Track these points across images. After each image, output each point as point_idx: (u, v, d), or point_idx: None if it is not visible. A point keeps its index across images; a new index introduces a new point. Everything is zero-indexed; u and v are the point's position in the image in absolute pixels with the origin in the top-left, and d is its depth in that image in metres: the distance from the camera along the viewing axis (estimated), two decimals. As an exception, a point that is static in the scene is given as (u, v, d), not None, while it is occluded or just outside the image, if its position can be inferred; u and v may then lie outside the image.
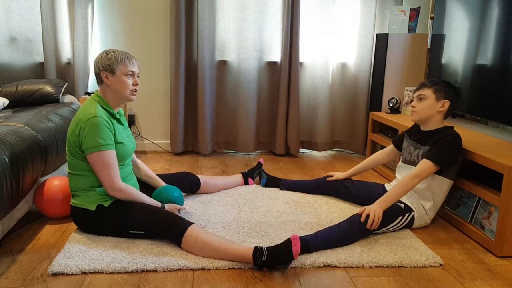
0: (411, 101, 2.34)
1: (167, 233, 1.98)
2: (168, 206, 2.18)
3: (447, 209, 2.46)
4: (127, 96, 2.09)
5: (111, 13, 3.58)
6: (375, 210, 2.09)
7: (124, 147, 2.10)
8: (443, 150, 2.19)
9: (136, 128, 3.79)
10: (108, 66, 2.04)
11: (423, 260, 1.96)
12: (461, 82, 2.88)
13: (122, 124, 2.18)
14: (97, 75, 2.08)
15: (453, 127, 2.31)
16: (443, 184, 2.26)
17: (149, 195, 2.29)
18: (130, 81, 2.08)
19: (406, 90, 3.36)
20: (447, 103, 2.26)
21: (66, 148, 2.09)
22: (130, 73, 2.07)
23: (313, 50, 3.70)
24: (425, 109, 2.28)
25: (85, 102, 2.09)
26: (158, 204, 2.14)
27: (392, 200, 2.14)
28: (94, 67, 2.09)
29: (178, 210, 2.24)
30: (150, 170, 2.42)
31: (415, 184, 2.16)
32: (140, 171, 2.38)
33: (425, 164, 2.18)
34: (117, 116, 2.12)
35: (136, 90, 2.12)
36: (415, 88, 2.36)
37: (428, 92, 2.28)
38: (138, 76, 2.13)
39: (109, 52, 2.06)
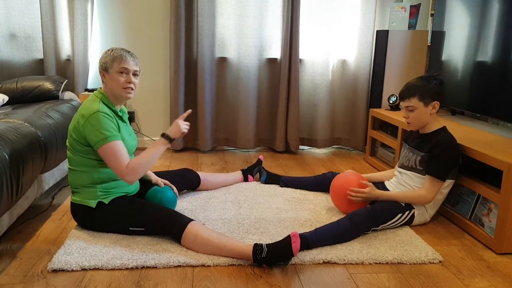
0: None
1: (167, 229, 1.98)
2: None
3: (447, 206, 2.46)
4: (121, 94, 2.06)
5: (111, 9, 3.57)
6: (370, 193, 2.23)
7: (125, 143, 2.09)
8: (440, 163, 2.21)
9: (136, 125, 3.79)
10: (103, 64, 2.05)
11: (422, 256, 1.96)
12: (461, 79, 2.88)
13: (125, 122, 2.18)
14: (99, 73, 2.10)
15: (445, 128, 2.31)
16: (444, 184, 2.26)
17: (147, 191, 2.28)
18: (122, 78, 2.04)
19: (406, 87, 3.36)
20: (437, 104, 2.25)
21: (67, 144, 2.09)
22: (123, 70, 2.03)
23: (313, 47, 3.70)
24: (418, 118, 2.28)
25: (87, 98, 2.10)
26: (159, 140, 2.05)
27: (394, 200, 2.25)
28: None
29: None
30: None
31: (429, 201, 2.23)
32: None
33: (430, 182, 2.22)
34: (120, 114, 2.12)
35: (132, 88, 2.07)
36: (399, 95, 2.33)
37: (414, 102, 2.25)
38: (136, 74, 2.09)
39: (109, 50, 2.07)
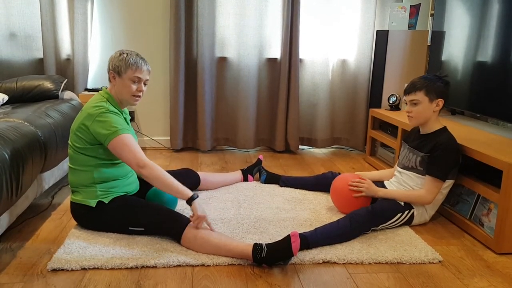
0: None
1: (166, 229, 1.98)
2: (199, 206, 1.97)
3: (447, 206, 2.46)
4: (128, 100, 2.09)
5: (111, 9, 3.57)
6: (370, 188, 2.25)
7: None
8: (441, 164, 2.21)
9: (135, 124, 3.79)
10: (116, 68, 2.05)
11: (422, 256, 1.96)
12: (461, 79, 2.88)
13: (127, 124, 2.18)
14: (108, 73, 2.10)
15: (445, 128, 2.31)
16: (444, 184, 2.26)
17: (147, 191, 2.28)
18: (134, 86, 2.06)
19: (406, 87, 3.36)
20: (441, 102, 2.25)
21: (69, 142, 2.09)
22: (136, 79, 2.06)
23: (313, 47, 3.70)
24: (421, 113, 2.27)
25: (93, 97, 2.10)
26: (189, 192, 1.98)
27: (393, 198, 2.24)
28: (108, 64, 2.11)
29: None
30: None
31: (428, 201, 2.23)
32: None
33: (431, 182, 2.21)
34: (123, 116, 2.12)
35: (139, 96, 2.10)
36: (405, 90, 2.33)
37: (420, 96, 2.25)
38: (145, 84, 2.11)
39: (123, 53, 2.06)
